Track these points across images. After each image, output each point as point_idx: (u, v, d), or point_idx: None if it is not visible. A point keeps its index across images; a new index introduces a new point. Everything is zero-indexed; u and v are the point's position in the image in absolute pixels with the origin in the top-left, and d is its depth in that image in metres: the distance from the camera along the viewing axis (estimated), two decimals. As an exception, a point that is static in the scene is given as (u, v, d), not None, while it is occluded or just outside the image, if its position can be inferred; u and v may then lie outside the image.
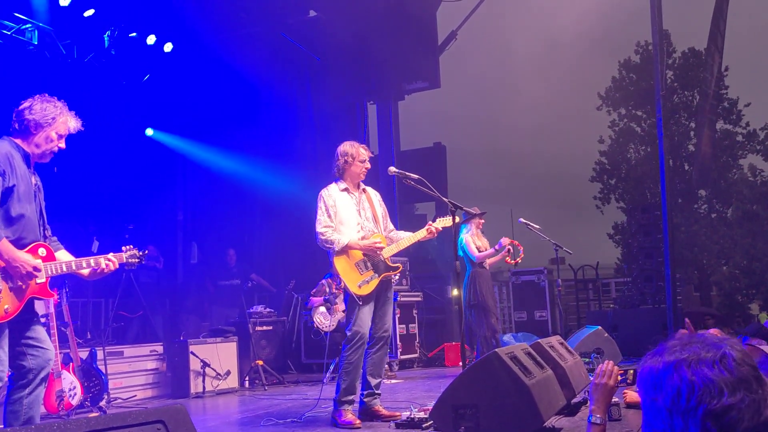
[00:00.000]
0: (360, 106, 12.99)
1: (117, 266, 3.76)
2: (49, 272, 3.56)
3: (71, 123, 3.70)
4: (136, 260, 3.88)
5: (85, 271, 3.70)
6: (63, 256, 3.79)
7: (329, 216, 5.26)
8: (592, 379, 2.94)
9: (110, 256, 3.75)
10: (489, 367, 3.92)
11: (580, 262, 13.97)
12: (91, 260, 3.68)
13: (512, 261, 7.98)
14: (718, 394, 1.31)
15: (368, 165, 5.43)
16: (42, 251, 3.58)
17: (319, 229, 5.23)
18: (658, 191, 12.49)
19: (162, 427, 1.79)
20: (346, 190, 5.38)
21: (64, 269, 3.63)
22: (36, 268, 3.46)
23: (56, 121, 3.63)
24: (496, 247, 7.70)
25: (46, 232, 3.73)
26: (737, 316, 19.18)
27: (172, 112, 10.77)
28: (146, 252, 3.97)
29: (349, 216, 5.31)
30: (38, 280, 3.51)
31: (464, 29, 13.15)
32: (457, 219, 5.25)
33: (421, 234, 5.39)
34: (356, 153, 5.36)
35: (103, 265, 3.69)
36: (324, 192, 5.36)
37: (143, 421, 1.77)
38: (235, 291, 9.77)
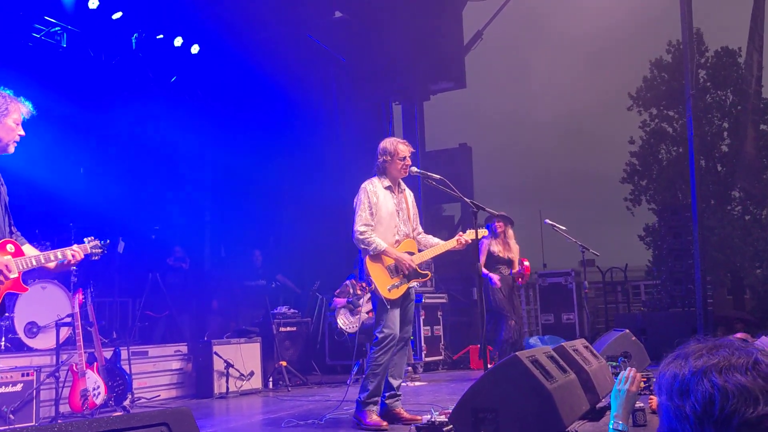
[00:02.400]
0: (385, 106, 12.93)
1: (82, 257, 3.78)
2: (20, 267, 3.56)
3: (23, 109, 3.66)
4: (99, 250, 3.92)
5: (52, 264, 3.71)
6: (28, 250, 3.77)
7: (371, 213, 5.16)
8: (614, 385, 2.87)
9: (75, 247, 3.77)
10: (509, 370, 3.85)
11: (609, 264, 13.81)
12: (58, 252, 3.69)
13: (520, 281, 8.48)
14: (754, 403, 1.23)
15: (409, 162, 5.32)
16: (10, 247, 3.56)
17: (358, 227, 5.14)
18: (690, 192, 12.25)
19: (166, 430, 1.76)
20: (389, 188, 5.30)
21: (34, 263, 3.63)
22: (7, 267, 3.44)
23: (9, 111, 3.58)
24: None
25: (11, 228, 3.71)
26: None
27: (197, 113, 10.84)
28: (108, 242, 4.00)
29: (389, 217, 5.24)
30: (11, 275, 3.50)
31: (490, 29, 13.04)
32: (481, 233, 5.15)
33: (451, 244, 5.34)
34: (395, 150, 5.27)
35: (69, 257, 3.71)
36: (368, 186, 5.24)
37: (147, 423, 1.75)
38: (261, 291, 9.79)
